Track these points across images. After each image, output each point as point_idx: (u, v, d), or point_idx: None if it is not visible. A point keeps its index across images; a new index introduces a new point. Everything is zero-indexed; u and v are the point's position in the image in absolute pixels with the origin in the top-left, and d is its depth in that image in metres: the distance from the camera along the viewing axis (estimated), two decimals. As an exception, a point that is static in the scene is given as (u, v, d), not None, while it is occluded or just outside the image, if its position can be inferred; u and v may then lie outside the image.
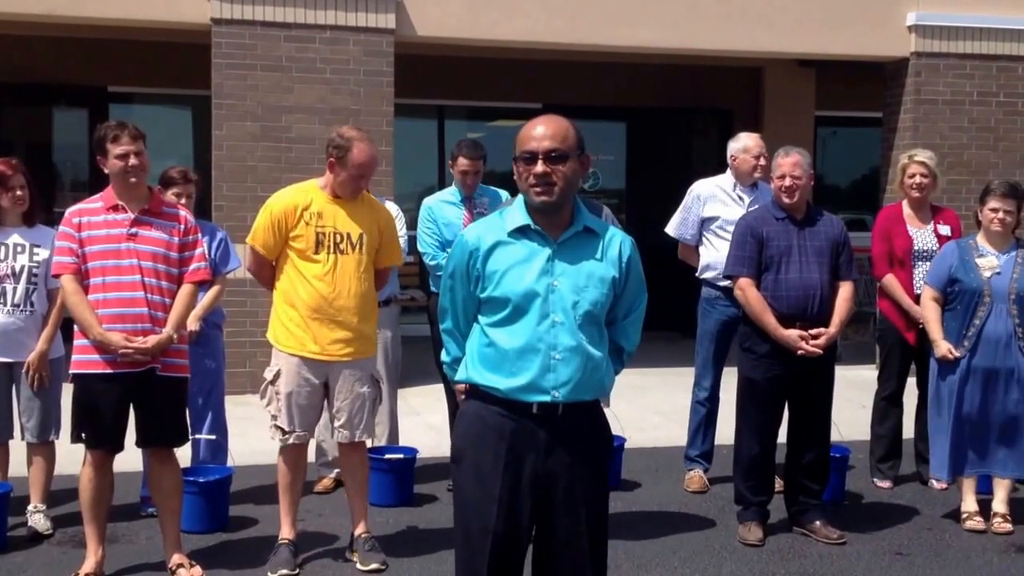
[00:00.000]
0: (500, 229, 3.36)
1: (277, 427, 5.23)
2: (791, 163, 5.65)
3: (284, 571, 5.10)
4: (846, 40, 10.71)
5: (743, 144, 6.58)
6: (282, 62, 9.40)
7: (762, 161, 6.51)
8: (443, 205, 6.50)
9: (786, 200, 5.67)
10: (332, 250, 5.15)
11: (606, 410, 3.56)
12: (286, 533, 5.28)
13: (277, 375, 5.22)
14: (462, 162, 6.45)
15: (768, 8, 10.45)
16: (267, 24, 9.34)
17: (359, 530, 5.34)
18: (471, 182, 6.47)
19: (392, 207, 6.56)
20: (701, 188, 6.70)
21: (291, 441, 5.22)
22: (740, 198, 6.56)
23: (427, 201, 6.60)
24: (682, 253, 6.90)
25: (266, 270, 5.29)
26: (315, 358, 5.17)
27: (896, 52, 10.84)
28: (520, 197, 3.39)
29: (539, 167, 3.24)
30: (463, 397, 3.51)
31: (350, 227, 5.19)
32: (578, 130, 3.35)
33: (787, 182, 5.64)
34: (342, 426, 5.28)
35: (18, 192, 5.55)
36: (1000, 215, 5.87)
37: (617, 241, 3.42)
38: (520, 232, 3.34)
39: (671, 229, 6.84)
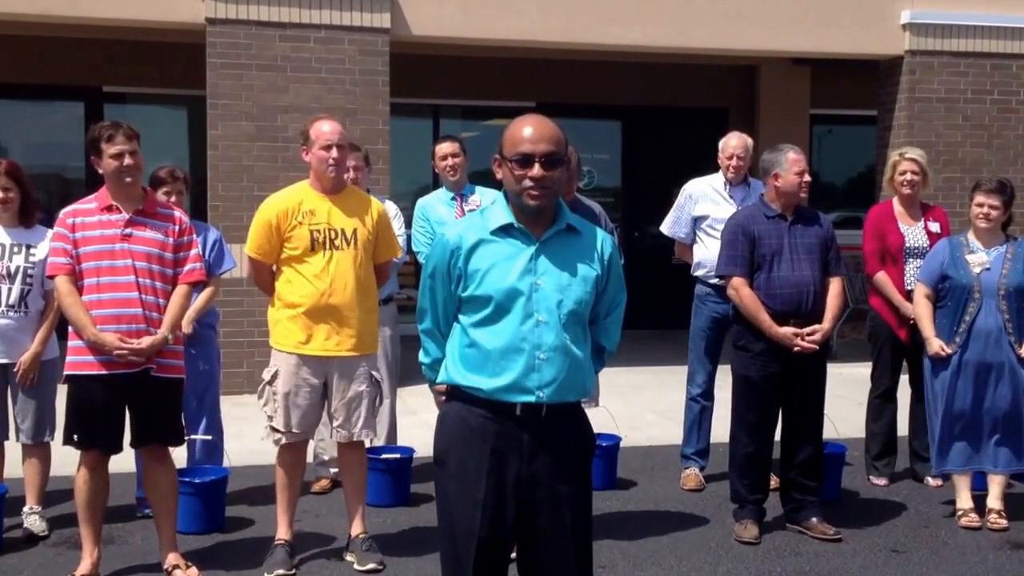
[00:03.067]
0: (482, 228, 3.32)
1: (272, 428, 5.23)
2: (804, 160, 5.72)
3: (280, 571, 5.09)
4: (841, 38, 10.73)
5: (722, 143, 6.69)
6: (277, 62, 9.40)
7: (735, 161, 6.57)
8: (436, 203, 6.55)
9: (803, 195, 5.71)
10: (328, 247, 5.14)
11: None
12: (282, 533, 5.27)
13: (275, 375, 5.21)
14: (440, 148, 6.54)
15: (763, 7, 10.46)
16: (262, 24, 9.35)
17: (356, 530, 5.33)
18: (452, 164, 6.49)
19: (390, 206, 6.57)
20: (693, 187, 6.74)
21: (284, 441, 5.22)
22: (731, 197, 6.59)
23: (420, 201, 6.66)
24: (678, 252, 6.95)
25: (265, 275, 5.28)
26: (314, 355, 5.17)
27: (891, 50, 10.86)
28: (501, 195, 3.37)
29: (537, 171, 3.21)
30: (442, 399, 3.48)
31: (343, 223, 5.18)
32: (563, 130, 3.34)
33: (807, 178, 5.69)
34: (340, 425, 5.27)
35: (0, 194, 5.53)
36: (985, 210, 5.92)
37: (599, 239, 3.41)
38: (503, 231, 3.30)
39: (665, 228, 6.89)
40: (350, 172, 6.09)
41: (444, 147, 6.59)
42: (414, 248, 6.51)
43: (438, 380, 3.45)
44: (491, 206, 3.38)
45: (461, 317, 3.35)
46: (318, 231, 5.14)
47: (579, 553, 3.38)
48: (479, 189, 6.66)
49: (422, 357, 3.52)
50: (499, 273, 3.26)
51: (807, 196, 5.75)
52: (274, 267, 5.25)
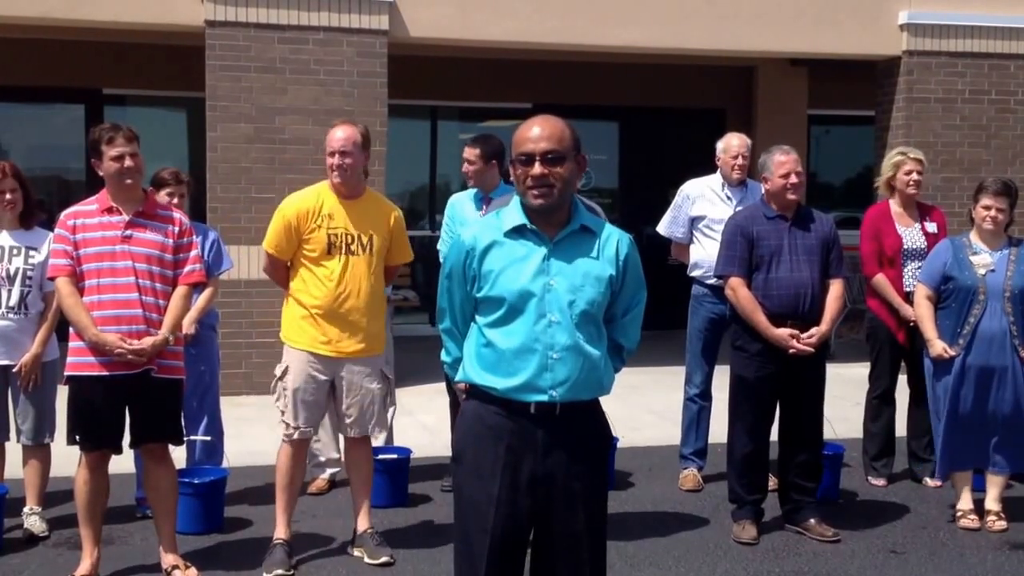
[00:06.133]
0: (497, 229, 3.37)
1: (284, 422, 5.31)
2: (794, 160, 5.65)
3: (279, 571, 5.11)
4: (838, 39, 10.74)
5: (724, 144, 6.67)
6: (276, 64, 9.41)
7: (740, 161, 6.56)
8: (464, 202, 6.46)
9: (792, 197, 5.65)
10: (344, 251, 5.22)
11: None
12: (281, 533, 5.29)
13: (286, 371, 5.29)
14: (465, 151, 6.41)
15: (760, 7, 10.47)
16: (260, 26, 9.36)
17: (363, 525, 5.37)
18: (469, 171, 6.36)
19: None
20: (690, 188, 6.76)
21: (295, 436, 5.28)
22: (728, 197, 6.61)
23: (452, 198, 6.59)
24: (675, 252, 6.96)
25: (281, 271, 5.38)
26: (325, 354, 5.24)
27: (888, 51, 10.87)
28: (517, 197, 3.40)
29: (536, 169, 3.25)
30: (464, 397, 3.52)
31: (360, 228, 5.26)
32: (574, 130, 3.35)
33: (793, 179, 5.61)
34: (354, 422, 5.33)
35: (7, 196, 5.55)
36: (992, 213, 5.88)
37: (614, 239, 3.43)
38: (516, 232, 3.34)
39: (662, 228, 6.90)
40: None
41: (465, 151, 6.40)
42: (439, 247, 6.51)
43: (457, 379, 3.49)
44: (506, 208, 3.42)
45: (477, 317, 3.40)
46: (336, 235, 5.22)
47: (593, 551, 3.40)
48: (504, 187, 6.50)
49: (443, 356, 3.58)
50: (512, 274, 3.30)
51: (795, 198, 5.67)
52: (288, 263, 5.31)
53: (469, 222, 6.20)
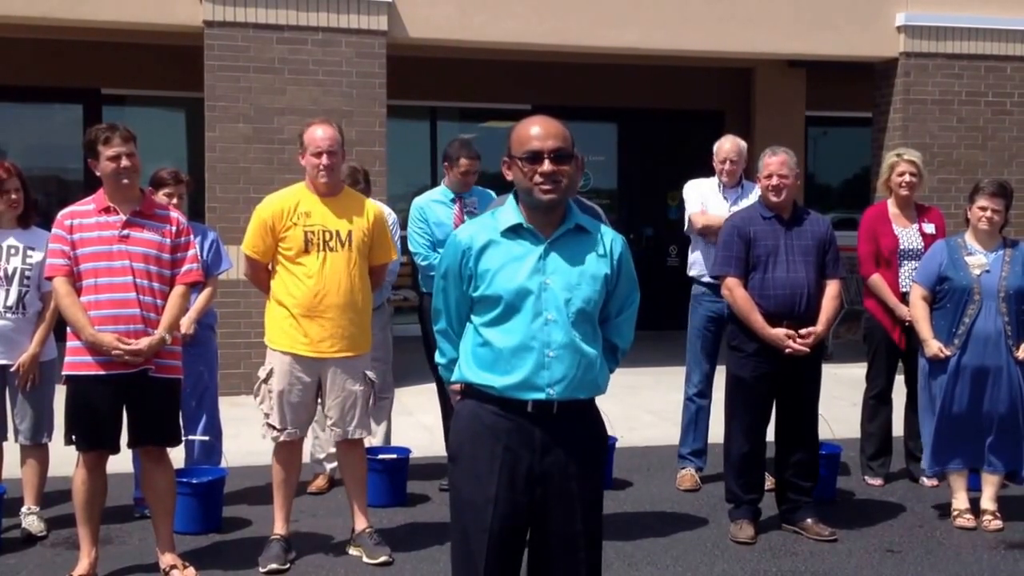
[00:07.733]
0: (492, 228, 3.38)
1: (269, 425, 5.30)
2: (778, 162, 5.68)
3: (274, 566, 5.14)
4: (836, 41, 10.76)
5: (716, 147, 6.70)
6: (274, 64, 9.43)
7: (727, 166, 6.58)
8: (434, 205, 6.48)
9: (773, 199, 5.70)
10: (321, 248, 5.20)
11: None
12: (278, 529, 5.32)
13: (270, 374, 5.28)
14: (464, 162, 6.44)
15: (758, 9, 10.50)
16: (259, 26, 9.38)
17: (362, 525, 5.37)
18: (471, 181, 6.48)
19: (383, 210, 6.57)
20: (692, 185, 6.82)
21: (282, 439, 5.29)
22: (725, 198, 6.63)
23: (417, 201, 6.58)
24: (701, 220, 6.63)
25: (262, 274, 5.36)
26: (307, 355, 5.22)
27: (885, 52, 10.90)
28: (511, 197, 3.42)
29: (547, 166, 3.27)
30: (458, 397, 3.52)
31: (339, 224, 5.24)
32: (570, 130, 3.39)
33: (774, 181, 5.67)
34: (334, 424, 5.34)
35: (12, 195, 5.57)
36: (988, 214, 5.90)
37: (608, 239, 3.45)
38: (512, 231, 3.36)
39: (689, 210, 6.75)
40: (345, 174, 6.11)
41: (466, 164, 6.45)
42: (411, 249, 6.47)
43: (452, 379, 3.50)
44: (502, 207, 3.44)
45: (473, 317, 3.41)
46: (312, 232, 5.20)
47: (588, 550, 3.42)
48: (476, 190, 6.61)
49: (438, 357, 3.59)
50: (509, 273, 3.32)
51: (776, 200, 5.68)
52: (270, 266, 5.30)
53: (445, 223, 6.27)
